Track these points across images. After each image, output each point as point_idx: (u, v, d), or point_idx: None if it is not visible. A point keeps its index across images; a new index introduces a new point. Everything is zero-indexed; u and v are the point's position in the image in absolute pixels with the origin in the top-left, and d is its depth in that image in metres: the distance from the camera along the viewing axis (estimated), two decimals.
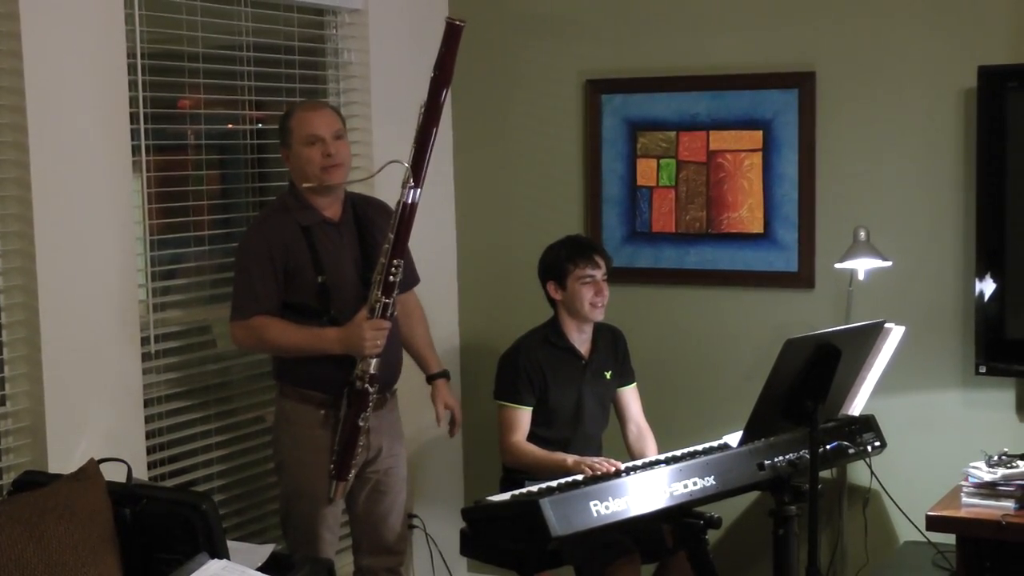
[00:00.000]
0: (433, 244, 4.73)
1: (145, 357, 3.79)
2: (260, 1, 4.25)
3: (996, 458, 3.87)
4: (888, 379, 4.11)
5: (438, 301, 4.79)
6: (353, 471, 3.70)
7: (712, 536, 3.71)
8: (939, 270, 4.29)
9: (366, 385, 3.62)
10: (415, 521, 4.69)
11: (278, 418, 3.79)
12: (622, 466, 3.80)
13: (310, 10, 4.47)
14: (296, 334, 3.64)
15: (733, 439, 3.78)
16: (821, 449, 3.60)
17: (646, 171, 4.70)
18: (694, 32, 4.59)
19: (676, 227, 4.66)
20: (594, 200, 4.77)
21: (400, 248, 3.59)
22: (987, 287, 4.13)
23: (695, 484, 3.65)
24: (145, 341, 3.79)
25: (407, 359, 3.97)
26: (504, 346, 4.25)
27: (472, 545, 3.76)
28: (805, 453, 3.60)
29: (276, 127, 3.83)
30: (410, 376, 4.01)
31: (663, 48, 4.64)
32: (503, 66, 4.91)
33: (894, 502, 4.32)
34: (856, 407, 4.07)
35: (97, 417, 3.56)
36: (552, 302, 4.19)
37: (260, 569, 2.97)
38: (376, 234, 3.75)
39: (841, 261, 4.20)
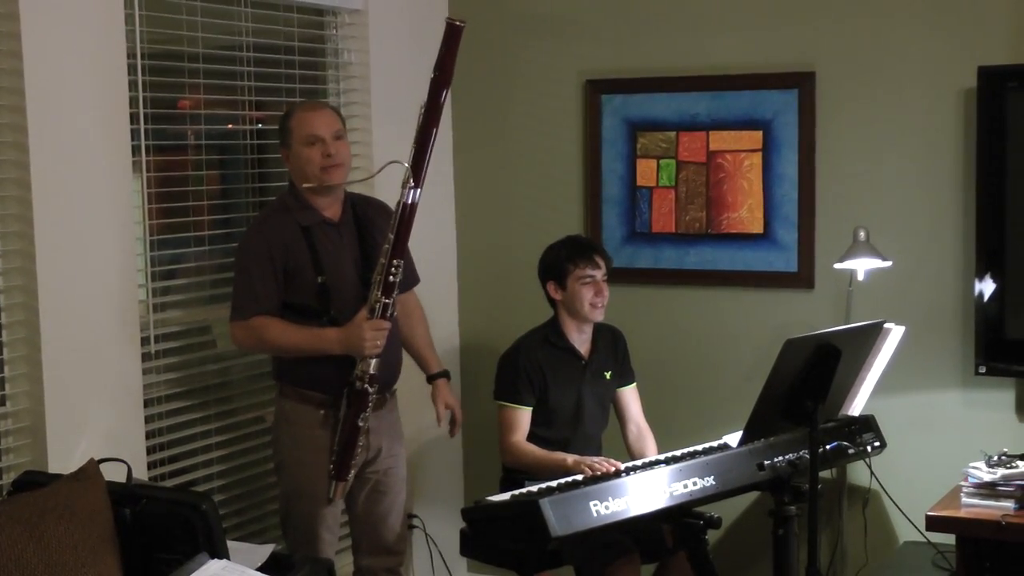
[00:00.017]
0: (433, 244, 4.73)
1: (145, 357, 3.79)
2: (260, 1, 4.25)
3: (996, 458, 3.87)
4: (888, 379, 4.11)
5: (438, 301, 4.79)
6: (352, 471, 3.70)
7: (712, 536, 3.71)
8: (939, 270, 4.29)
9: (366, 385, 3.62)
10: (415, 521, 4.69)
11: (278, 418, 3.79)
12: (622, 466, 3.80)
13: (310, 10, 4.47)
14: (296, 334, 3.64)
15: (733, 439, 3.78)
16: (821, 449, 3.60)
17: (646, 171, 4.70)
18: (694, 32, 4.59)
19: (676, 227, 4.66)
20: (594, 200, 4.78)
21: (400, 248, 3.59)
22: (987, 287, 4.13)
23: (695, 484, 3.65)
24: (145, 341, 3.79)
25: (407, 359, 3.97)
26: (504, 346, 4.25)
27: (472, 545, 3.76)
28: (805, 453, 3.60)
29: (276, 127, 3.83)
30: (410, 376, 4.01)
31: (663, 48, 4.64)
32: (503, 66, 4.91)
33: (894, 502, 4.32)
34: (856, 407, 4.07)
35: (97, 417, 3.56)
36: (552, 302, 4.19)
37: (260, 569, 2.97)
38: (376, 234, 3.75)
39: (841, 261, 4.20)
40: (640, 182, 4.71)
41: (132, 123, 3.71)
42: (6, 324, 3.44)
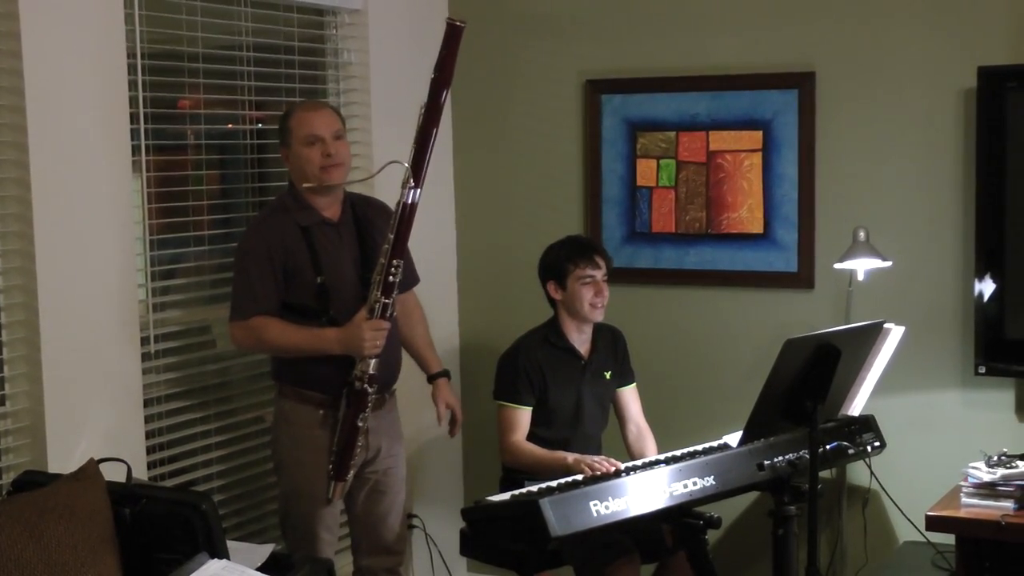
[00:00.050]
0: (433, 244, 4.73)
1: (145, 357, 3.79)
2: (260, 1, 4.25)
3: (995, 458, 3.87)
4: (888, 379, 4.11)
5: (438, 301, 4.79)
6: (352, 471, 3.70)
7: (712, 536, 3.71)
8: (939, 270, 4.29)
9: (365, 385, 3.62)
10: (415, 521, 4.69)
11: (277, 418, 3.79)
12: (622, 466, 3.80)
13: (310, 10, 4.47)
14: (295, 334, 3.64)
15: (733, 439, 3.78)
16: (821, 449, 3.60)
17: (646, 171, 4.70)
18: (694, 32, 4.59)
19: (676, 227, 4.66)
20: (594, 200, 4.78)
21: (400, 248, 3.58)
22: (987, 287, 4.13)
23: (695, 484, 3.65)
24: (145, 341, 3.79)
25: (407, 359, 3.97)
26: (504, 346, 4.25)
27: (472, 545, 3.76)
28: (805, 453, 3.60)
29: (276, 127, 3.83)
30: (409, 376, 4.01)
31: (663, 48, 4.64)
32: (503, 66, 4.91)
33: (894, 502, 4.32)
34: (856, 407, 4.07)
35: (97, 417, 3.56)
36: (552, 302, 4.19)
37: (260, 569, 2.97)
38: (376, 234, 3.75)
39: (841, 261, 4.20)
40: (640, 182, 4.71)
41: (132, 123, 3.71)
42: (6, 324, 3.44)
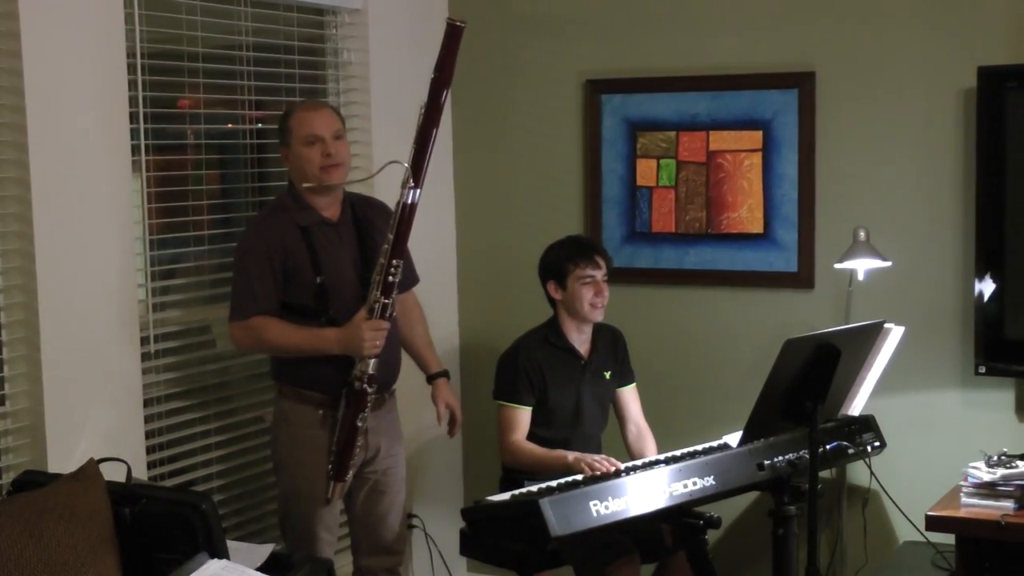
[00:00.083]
0: (433, 244, 4.73)
1: (145, 357, 3.79)
2: (260, 1, 4.25)
3: (995, 458, 3.87)
4: (888, 379, 4.11)
5: (438, 301, 4.79)
6: (351, 471, 3.70)
7: (712, 536, 3.71)
8: (939, 270, 4.29)
9: (364, 385, 3.62)
10: (415, 521, 4.69)
11: (276, 418, 3.79)
12: (622, 466, 3.80)
13: (310, 10, 4.47)
14: (295, 334, 3.64)
15: (733, 439, 3.78)
16: (821, 449, 3.60)
17: (646, 171, 4.70)
18: (694, 32, 4.59)
19: (676, 227, 4.66)
20: (594, 200, 4.78)
21: (399, 248, 3.58)
22: (987, 287, 4.13)
23: (695, 484, 3.65)
24: (145, 341, 3.79)
25: (406, 359, 3.97)
26: (504, 346, 4.25)
27: (472, 545, 3.76)
28: (805, 453, 3.60)
29: (276, 127, 3.83)
30: (409, 376, 4.01)
31: (663, 48, 4.64)
32: (503, 66, 4.91)
33: (893, 502, 4.32)
34: (856, 407, 4.07)
35: (97, 417, 3.56)
36: (552, 302, 4.19)
37: (260, 569, 2.97)
38: (375, 234, 3.75)
39: (841, 261, 4.20)
40: (640, 182, 4.71)
41: (132, 123, 3.71)
42: (6, 324, 3.44)
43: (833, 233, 4.38)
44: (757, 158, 4.51)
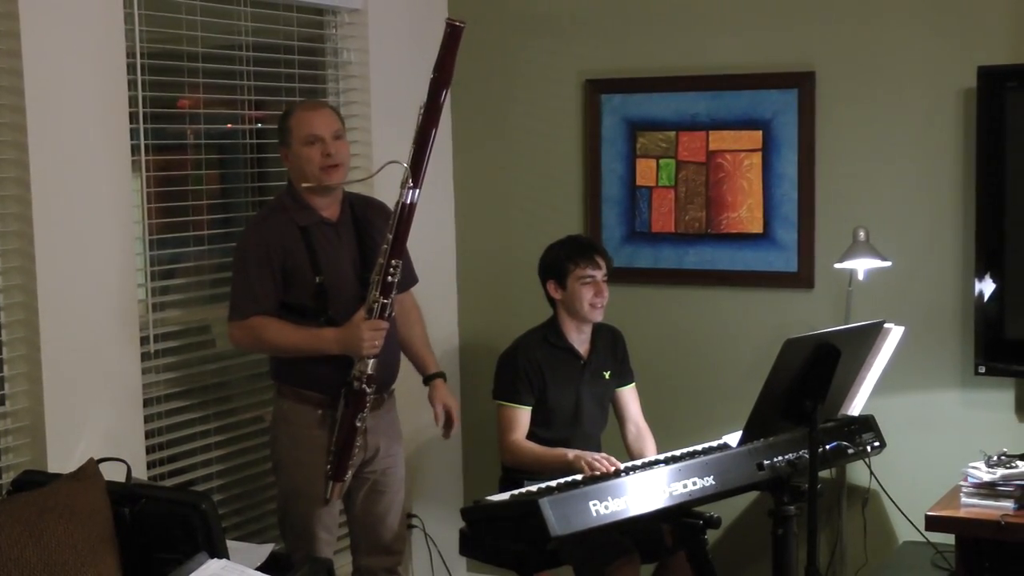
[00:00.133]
0: (433, 244, 4.73)
1: (144, 357, 3.79)
2: (260, 1, 4.25)
3: (995, 458, 3.87)
4: (888, 379, 4.11)
5: (438, 301, 4.79)
6: (350, 471, 3.70)
7: (711, 536, 3.71)
8: (939, 270, 4.29)
9: (363, 385, 3.61)
10: (414, 521, 4.69)
11: (276, 418, 3.79)
12: (621, 466, 3.80)
13: (310, 10, 4.47)
14: (294, 334, 3.64)
15: (733, 439, 3.78)
16: (820, 449, 3.60)
17: (646, 171, 4.70)
18: (694, 32, 4.59)
19: (675, 227, 4.66)
20: (594, 200, 4.78)
21: (399, 248, 3.58)
22: (987, 287, 4.13)
23: (694, 484, 3.64)
24: (144, 341, 3.79)
25: (404, 359, 3.97)
26: (504, 346, 4.25)
27: (471, 545, 3.77)
28: (804, 453, 3.60)
29: (276, 127, 3.83)
30: (408, 376, 4.01)
31: (663, 48, 4.64)
32: (503, 66, 4.91)
33: (893, 502, 4.32)
34: (855, 407, 4.07)
35: (96, 417, 3.56)
36: (552, 302, 4.19)
37: (259, 569, 2.97)
38: (375, 234, 3.75)
39: (841, 261, 4.20)
40: (640, 182, 4.71)
41: (132, 123, 3.71)
42: (6, 324, 3.44)
43: (833, 233, 4.38)
44: (757, 158, 4.51)
